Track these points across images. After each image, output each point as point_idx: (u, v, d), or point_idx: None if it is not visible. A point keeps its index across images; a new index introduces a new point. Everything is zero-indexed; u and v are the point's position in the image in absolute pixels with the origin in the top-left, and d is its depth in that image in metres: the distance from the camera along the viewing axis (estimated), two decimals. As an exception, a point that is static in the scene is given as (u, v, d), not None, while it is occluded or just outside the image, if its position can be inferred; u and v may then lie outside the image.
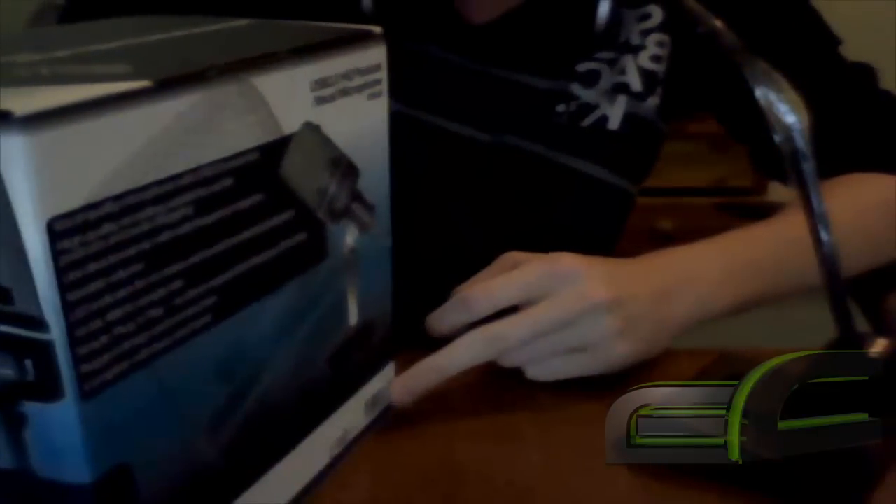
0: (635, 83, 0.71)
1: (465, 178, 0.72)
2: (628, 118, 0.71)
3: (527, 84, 0.71)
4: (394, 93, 0.46)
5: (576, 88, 0.70)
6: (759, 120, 0.43)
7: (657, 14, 0.71)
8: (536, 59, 0.71)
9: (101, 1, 0.56)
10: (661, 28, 0.71)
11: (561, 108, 0.70)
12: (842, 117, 0.70)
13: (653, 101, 0.71)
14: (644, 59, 0.71)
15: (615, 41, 0.70)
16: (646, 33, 0.71)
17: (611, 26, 0.69)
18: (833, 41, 0.73)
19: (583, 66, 0.70)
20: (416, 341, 0.55)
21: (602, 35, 0.69)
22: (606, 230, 0.77)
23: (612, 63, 0.71)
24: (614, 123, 0.71)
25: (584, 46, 0.70)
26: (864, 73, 0.73)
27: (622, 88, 0.71)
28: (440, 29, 0.71)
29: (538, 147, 0.71)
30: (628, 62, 0.70)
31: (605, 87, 0.71)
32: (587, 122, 0.71)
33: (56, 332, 0.29)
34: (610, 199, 0.74)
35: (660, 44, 0.71)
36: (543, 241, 0.73)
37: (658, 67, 0.71)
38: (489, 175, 0.72)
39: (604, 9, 0.68)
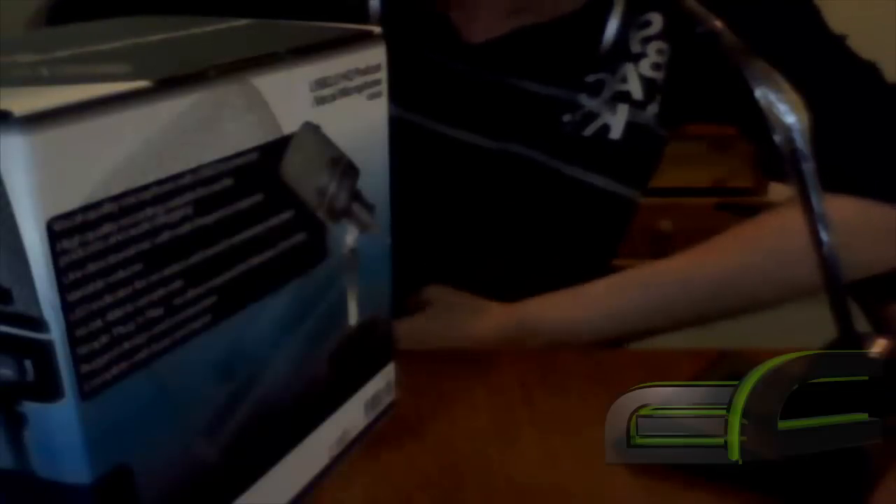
0: (636, 91, 0.70)
1: (469, 184, 0.72)
2: (630, 127, 0.71)
3: (534, 92, 0.71)
4: (399, 99, 0.46)
5: (583, 99, 0.70)
6: (760, 121, 0.43)
7: (657, 21, 0.71)
8: (543, 70, 0.71)
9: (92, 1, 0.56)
10: (660, 36, 0.70)
11: (567, 117, 0.70)
12: (848, 115, 0.69)
13: (652, 109, 0.71)
14: (645, 67, 0.70)
15: (621, 53, 0.70)
16: (646, 41, 0.70)
17: (618, 41, 0.69)
18: (837, 37, 0.72)
19: (591, 77, 0.71)
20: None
21: (609, 52, 0.69)
22: (608, 236, 0.77)
23: (613, 71, 0.70)
24: (616, 133, 0.70)
25: (590, 62, 0.70)
26: (871, 70, 0.72)
27: (623, 97, 0.71)
28: (440, 44, 0.71)
29: (542, 156, 0.71)
30: (629, 70, 0.70)
31: (607, 96, 0.71)
32: (589, 131, 0.71)
33: (56, 332, 0.29)
34: (612, 207, 0.74)
35: (659, 51, 0.71)
36: (545, 248, 0.74)
37: (657, 75, 0.71)
38: (493, 182, 0.72)
39: (611, 30, 0.68)
